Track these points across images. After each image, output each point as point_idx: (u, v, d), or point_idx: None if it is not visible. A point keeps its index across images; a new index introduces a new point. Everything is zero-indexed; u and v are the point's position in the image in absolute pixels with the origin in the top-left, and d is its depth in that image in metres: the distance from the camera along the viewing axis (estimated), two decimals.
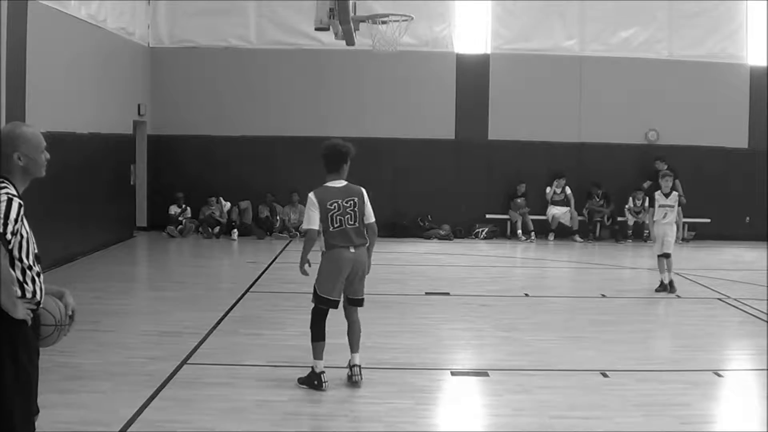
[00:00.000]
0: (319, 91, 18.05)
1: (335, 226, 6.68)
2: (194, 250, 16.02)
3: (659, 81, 18.10)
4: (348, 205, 6.73)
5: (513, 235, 18.01)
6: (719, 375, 7.45)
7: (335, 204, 6.68)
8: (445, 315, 10.01)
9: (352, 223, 6.74)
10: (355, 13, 12.75)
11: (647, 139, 18.30)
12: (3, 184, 3.98)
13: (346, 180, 6.88)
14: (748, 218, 18.23)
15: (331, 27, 12.00)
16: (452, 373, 7.40)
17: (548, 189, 18.15)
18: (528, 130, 18.09)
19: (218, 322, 9.10)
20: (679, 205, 11.58)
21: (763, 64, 18.03)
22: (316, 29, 12.14)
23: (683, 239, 17.89)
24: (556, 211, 18.03)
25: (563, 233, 17.97)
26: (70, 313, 4.19)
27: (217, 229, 17.22)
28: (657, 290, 11.39)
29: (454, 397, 6.97)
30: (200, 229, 17.33)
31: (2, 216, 3.86)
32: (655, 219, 11.56)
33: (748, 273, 13.45)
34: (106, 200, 15.08)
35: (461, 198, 18.03)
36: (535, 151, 18.13)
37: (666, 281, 11.39)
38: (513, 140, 18.17)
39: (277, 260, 14.39)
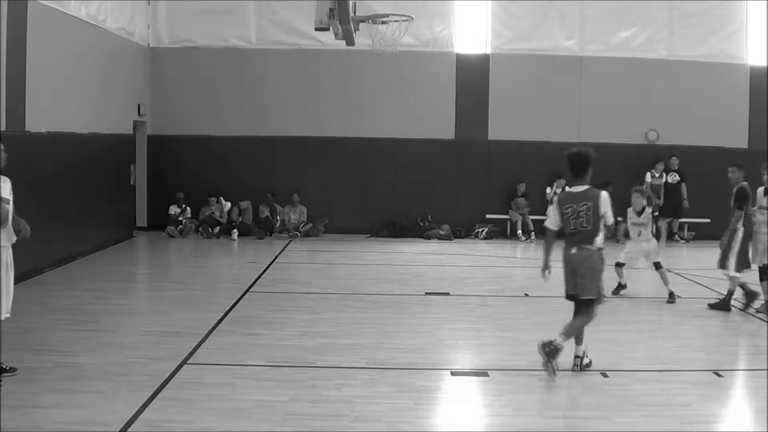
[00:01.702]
0: (319, 91, 18.05)
1: (570, 228, 7.21)
2: (194, 250, 16.01)
3: (659, 81, 18.11)
4: (582, 209, 7.11)
5: (513, 235, 18.01)
6: (719, 375, 7.44)
7: (570, 208, 7.15)
8: (445, 315, 10.01)
9: (586, 225, 7.14)
10: (355, 13, 12.76)
11: (647, 139, 18.30)
12: None
13: (589, 184, 7.26)
14: None
15: (331, 27, 12.00)
16: (452, 373, 7.39)
17: (548, 189, 18.13)
18: (528, 130, 18.09)
19: (218, 322, 9.11)
20: (654, 212, 11.24)
21: (763, 64, 18.04)
22: (316, 29, 12.14)
23: (684, 239, 17.91)
24: None
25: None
26: None
27: (217, 229, 17.22)
28: (614, 292, 11.05)
29: (454, 397, 6.97)
30: (200, 229, 17.32)
31: None
32: (631, 238, 11.20)
33: (747, 273, 13.42)
34: (106, 200, 15.08)
35: (461, 198, 18.04)
36: (535, 151, 18.12)
37: (625, 283, 11.26)
38: (513, 140, 18.17)
39: (277, 260, 14.39)
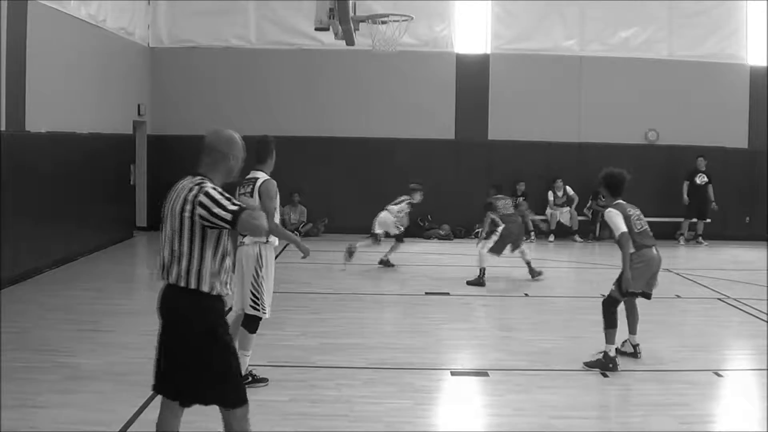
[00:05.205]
0: (319, 91, 18.05)
1: (637, 229, 7.67)
2: None
3: (659, 81, 18.10)
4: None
5: None
6: (719, 375, 7.45)
7: (634, 211, 7.85)
8: (445, 315, 10.00)
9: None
10: (354, 13, 12.74)
11: (647, 139, 18.30)
12: (203, 180, 4.49)
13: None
14: (748, 218, 18.23)
15: (331, 27, 11.99)
16: (452, 373, 7.40)
17: (550, 194, 18.09)
18: (528, 130, 18.08)
19: None
20: None
21: (763, 64, 18.04)
22: (316, 29, 12.13)
23: (704, 242, 17.78)
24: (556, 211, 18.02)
25: (563, 233, 17.96)
26: None
27: None
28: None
29: (454, 397, 6.97)
30: None
31: (225, 199, 4.33)
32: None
33: (748, 273, 13.45)
34: (106, 200, 15.07)
35: (461, 198, 18.03)
36: (535, 151, 18.13)
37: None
38: (513, 140, 18.17)
39: (276, 260, 14.33)
